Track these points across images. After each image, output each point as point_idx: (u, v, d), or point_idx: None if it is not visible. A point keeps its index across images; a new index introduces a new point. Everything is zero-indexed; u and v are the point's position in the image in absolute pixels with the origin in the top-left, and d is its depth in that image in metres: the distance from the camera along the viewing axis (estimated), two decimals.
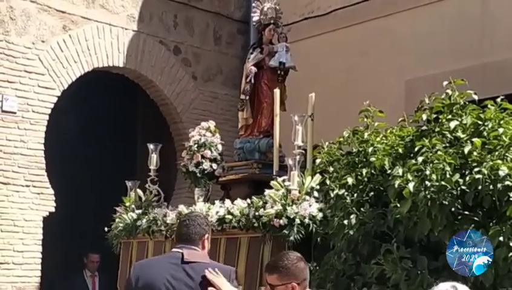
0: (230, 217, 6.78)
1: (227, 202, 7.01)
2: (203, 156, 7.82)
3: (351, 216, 5.64)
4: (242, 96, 7.84)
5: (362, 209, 5.64)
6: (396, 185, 5.28)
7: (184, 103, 10.80)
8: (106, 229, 8.36)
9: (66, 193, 9.77)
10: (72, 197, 10.54)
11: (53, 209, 9.42)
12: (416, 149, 5.48)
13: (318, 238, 6.17)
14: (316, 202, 6.37)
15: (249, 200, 6.75)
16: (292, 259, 4.40)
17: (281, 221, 6.24)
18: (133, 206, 8.17)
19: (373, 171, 5.78)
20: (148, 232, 7.74)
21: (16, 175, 9.24)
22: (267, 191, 6.58)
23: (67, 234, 11.11)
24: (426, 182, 5.10)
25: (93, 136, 11.90)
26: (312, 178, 6.52)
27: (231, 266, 5.15)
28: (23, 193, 9.25)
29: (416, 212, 5.16)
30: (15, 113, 9.28)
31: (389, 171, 5.57)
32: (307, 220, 6.20)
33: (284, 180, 6.59)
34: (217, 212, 6.87)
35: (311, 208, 6.26)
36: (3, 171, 9.16)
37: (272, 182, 6.65)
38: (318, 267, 6.04)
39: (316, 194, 6.45)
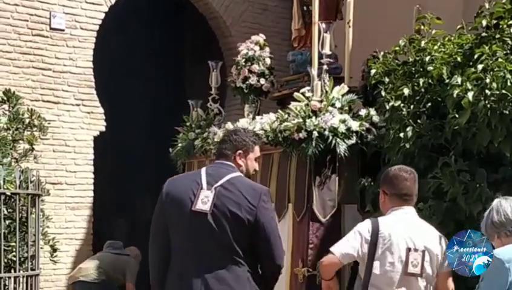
0: (262, 132, 6.63)
1: (265, 117, 6.85)
2: (250, 71, 7.63)
3: (408, 129, 5.54)
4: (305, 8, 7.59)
5: (418, 121, 5.53)
6: (455, 95, 5.15)
7: (233, 15, 10.55)
8: (170, 149, 8.28)
9: (115, 112, 9.71)
10: (122, 116, 10.47)
11: (103, 129, 9.38)
12: (476, 57, 5.32)
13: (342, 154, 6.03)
14: (341, 113, 6.18)
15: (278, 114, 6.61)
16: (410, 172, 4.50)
17: (301, 134, 6.09)
18: (193, 125, 8.08)
19: (430, 81, 5.64)
20: (203, 152, 7.65)
21: (66, 94, 9.23)
22: (292, 104, 6.38)
23: (117, 154, 11.10)
24: (486, 91, 4.97)
25: (141, 53, 11.77)
26: (340, 89, 6.34)
27: (264, 184, 5.00)
28: (73, 112, 9.23)
29: (475, 123, 5.04)
30: (63, 30, 9.21)
31: (447, 81, 5.43)
32: (326, 133, 6.03)
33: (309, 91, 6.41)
34: (254, 128, 6.73)
35: (333, 119, 6.07)
36: (53, 91, 9.15)
37: (295, 94, 6.46)
38: (372, 183, 5.92)
39: (338, 104, 6.25)
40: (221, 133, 7.27)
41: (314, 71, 6.45)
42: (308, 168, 6.20)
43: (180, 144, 8.10)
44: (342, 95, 6.33)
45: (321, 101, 6.24)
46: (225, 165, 4.32)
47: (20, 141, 7.81)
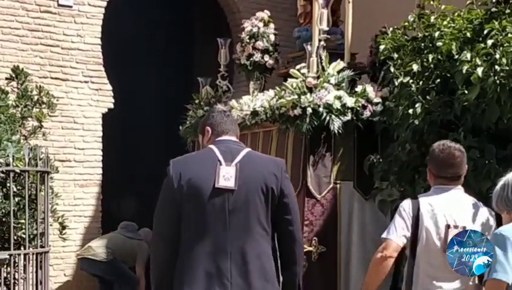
0: (261, 109, 6.61)
1: (266, 93, 6.83)
2: (254, 48, 7.59)
3: (417, 105, 5.50)
4: None
5: (427, 97, 5.49)
6: (464, 71, 5.10)
7: None
8: (180, 127, 8.30)
9: (123, 89, 9.68)
10: (130, 93, 10.44)
11: (112, 106, 9.36)
12: (485, 32, 5.26)
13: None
14: (338, 89, 6.16)
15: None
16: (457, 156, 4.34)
17: (296, 111, 6.08)
18: (202, 102, 8.06)
19: (439, 56, 5.59)
20: None
21: (75, 71, 9.18)
22: (288, 80, 6.34)
23: (125, 131, 11.08)
24: (496, 67, 4.92)
25: (149, 30, 11.70)
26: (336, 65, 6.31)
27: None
28: (82, 89, 9.20)
29: (484, 99, 4.99)
30: (71, 7, 9.16)
31: (456, 57, 5.38)
32: (321, 109, 6.00)
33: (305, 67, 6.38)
34: (254, 104, 6.72)
35: (328, 96, 6.04)
36: (61, 68, 9.11)
37: (291, 70, 6.43)
38: (380, 160, 5.90)
39: (333, 81, 6.22)
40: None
41: (310, 47, 6.41)
42: (303, 145, 6.20)
43: (188, 122, 8.08)
44: (338, 72, 6.30)
45: (317, 78, 6.21)
46: (233, 142, 4.14)
47: (29, 118, 7.83)
